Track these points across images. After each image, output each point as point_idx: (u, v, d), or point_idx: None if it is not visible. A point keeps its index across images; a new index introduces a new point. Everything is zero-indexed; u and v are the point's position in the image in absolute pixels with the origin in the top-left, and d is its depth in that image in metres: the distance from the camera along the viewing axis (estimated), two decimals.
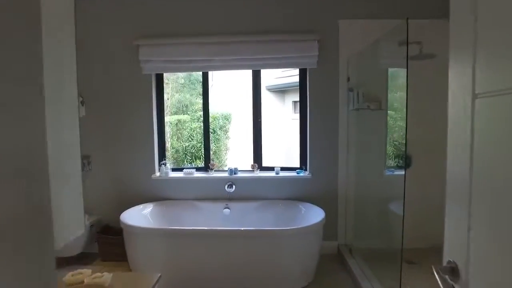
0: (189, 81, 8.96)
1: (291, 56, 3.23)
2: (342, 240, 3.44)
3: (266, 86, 6.89)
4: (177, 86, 8.62)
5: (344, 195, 3.39)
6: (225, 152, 7.59)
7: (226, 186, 3.39)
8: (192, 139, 7.16)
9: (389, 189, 3.14)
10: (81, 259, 3.28)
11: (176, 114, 7.69)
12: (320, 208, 3.09)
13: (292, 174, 3.46)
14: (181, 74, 8.68)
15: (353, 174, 3.35)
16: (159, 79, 3.52)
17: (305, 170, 3.48)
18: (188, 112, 7.59)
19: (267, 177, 3.42)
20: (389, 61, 3.18)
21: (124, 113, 3.43)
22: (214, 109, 8.13)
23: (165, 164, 3.47)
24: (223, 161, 7.52)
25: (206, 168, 3.56)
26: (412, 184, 2.44)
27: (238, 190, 3.43)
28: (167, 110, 8.20)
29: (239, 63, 3.28)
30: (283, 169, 3.53)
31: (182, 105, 8.24)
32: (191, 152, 7.12)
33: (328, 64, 3.30)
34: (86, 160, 3.45)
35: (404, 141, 2.44)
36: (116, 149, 3.46)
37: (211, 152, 7.36)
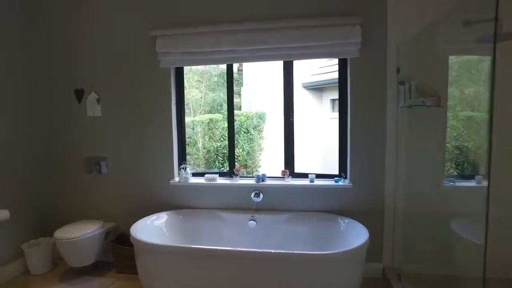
0: (223, 79, 8.69)
1: (328, 44, 2.74)
2: (388, 262, 2.88)
3: (302, 84, 6.38)
4: (211, 85, 8.39)
5: (391, 209, 2.83)
6: (259, 152, 7.21)
7: (253, 194, 2.98)
8: (224, 139, 6.86)
9: (449, 203, 2.55)
10: (95, 270, 3.04)
11: (210, 113, 7.44)
12: (362, 225, 2.58)
13: (330, 182, 2.96)
14: (214, 72, 8.42)
15: (403, 184, 2.79)
16: (179, 74, 3.18)
17: (345, 178, 2.97)
18: (222, 111, 7.30)
19: (299, 186, 2.96)
20: (451, 46, 2.57)
21: (140, 112, 3.14)
22: (248, 107, 7.81)
23: (184, 169, 3.12)
24: (256, 162, 7.15)
25: (231, 173, 3.17)
26: (483, 199, 1.88)
27: (266, 200, 3.00)
28: (200, 109, 8.02)
29: (267, 54, 2.84)
30: (318, 176, 3.04)
31: (216, 103, 8.00)
32: (222, 153, 6.82)
33: (373, 53, 2.76)
34: (103, 162, 3.21)
35: (469, 145, 1.89)
36: (133, 151, 3.18)
37: (244, 152, 7.05)
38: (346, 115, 2.94)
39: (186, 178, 3.10)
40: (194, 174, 3.24)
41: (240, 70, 9.02)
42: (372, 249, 2.69)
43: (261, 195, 2.98)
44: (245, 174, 3.48)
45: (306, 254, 2.15)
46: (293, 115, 3.10)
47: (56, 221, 3.30)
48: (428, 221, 2.60)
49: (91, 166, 3.24)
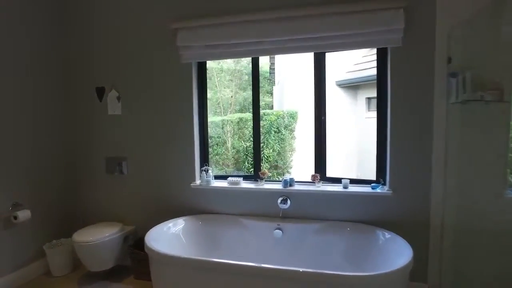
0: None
1: (366, 32, 2.41)
2: (434, 282, 2.49)
3: (336, 82, 5.99)
4: (242, 83, 8.21)
5: (439, 222, 2.44)
6: (290, 153, 6.92)
7: (279, 200, 2.71)
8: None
9: None
10: (113, 274, 2.92)
11: (241, 113, 7.26)
12: (404, 240, 2.22)
13: (366, 189, 2.62)
14: (245, 70, 8.23)
15: (453, 194, 2.39)
16: (202, 71, 2.98)
17: (384, 184, 2.62)
18: (250, 110, 7.09)
19: (331, 192, 2.64)
20: None
21: (160, 110, 2.97)
22: (281, 107, 7.53)
23: (206, 171, 2.92)
24: (287, 163, 6.86)
25: (255, 177, 2.92)
26: None
27: (294, 207, 2.72)
28: (230, 108, 7.86)
29: (297, 45, 2.56)
30: (353, 181, 2.71)
31: (247, 102, 7.81)
32: (252, 153, 6.59)
33: (419, 41, 2.39)
34: (123, 162, 3.09)
35: None
36: (153, 152, 3.02)
37: (275, 153, 6.78)
38: (385, 114, 2.59)
39: (208, 181, 2.89)
40: (217, 177, 3.02)
41: (272, 69, 8.77)
42: (416, 268, 2.32)
43: (289, 202, 2.71)
44: (271, 178, 3.21)
45: (342, 275, 1.83)
46: (325, 115, 2.79)
47: (78, 221, 3.23)
48: (486, 239, 2.19)
49: (112, 166, 3.12)
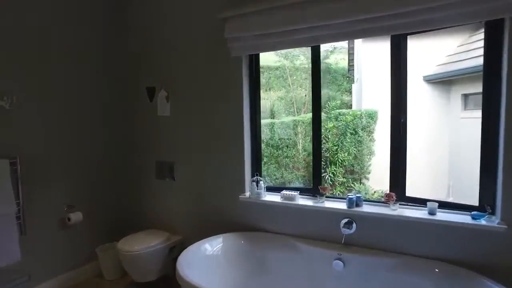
0: (330, 74, 7.85)
1: (464, 1, 1.72)
2: None
3: (424, 77, 5.03)
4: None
5: None
6: (368, 157, 6.14)
7: (342, 223, 2.17)
8: (327, 141, 6.06)
9: None
10: (159, 286, 2.73)
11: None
12: None
13: (463, 218, 1.92)
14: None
15: None
16: (253, 65, 2.59)
17: (491, 214, 1.88)
18: (324, 109, 6.51)
19: (412, 219, 2.01)
20: None
21: (208, 112, 2.68)
22: (360, 106, 6.79)
23: (257, 182, 2.52)
24: (365, 168, 6.12)
25: (314, 192, 2.42)
26: None
27: (361, 233, 2.16)
28: (304, 107, 7.37)
29: (366, 26, 1.99)
30: (443, 205, 2.04)
31: (323, 101, 7.26)
32: (325, 156, 6.03)
33: None
34: (173, 167, 2.89)
35: None
36: (201, 157, 2.75)
37: (350, 156, 6.08)
38: (495, 114, 1.85)
39: (258, 194, 2.49)
40: (270, 189, 2.61)
41: (351, 65, 8.02)
42: None
43: (354, 226, 2.15)
44: (334, 193, 2.66)
45: None
46: (405, 116, 2.15)
47: (129, 226, 3.15)
48: None
49: (162, 171, 2.95)
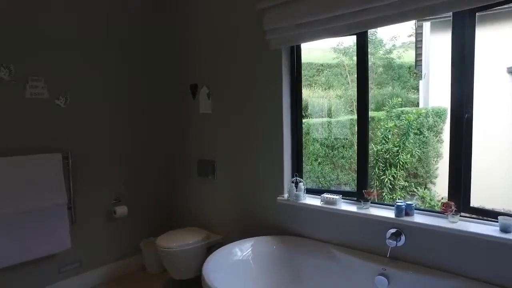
0: (393, 70, 7.29)
1: None
2: None
3: (508, 68, 4.34)
4: (378, 78, 7.16)
5: None
6: (435, 160, 5.55)
7: (389, 234, 1.91)
8: (386, 141, 5.60)
9: None
10: (197, 284, 2.71)
11: (376, 111, 6.31)
12: None
13: None
14: (378, 62, 7.09)
15: None
16: (294, 60, 2.42)
17: None
18: (384, 108, 6.03)
19: (477, 235, 1.67)
20: None
21: (247, 109, 2.58)
22: (426, 103, 6.19)
23: (296, 183, 2.36)
24: (431, 171, 5.54)
25: (359, 196, 2.18)
26: None
27: (412, 247, 1.88)
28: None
29: (422, 5, 1.70)
30: None
31: (383, 99, 6.77)
32: (384, 158, 5.58)
33: None
34: (214, 165, 2.85)
35: None
36: (241, 156, 2.66)
37: (414, 159, 5.53)
38: None
39: (297, 196, 2.32)
40: (311, 191, 2.42)
41: (418, 60, 7.35)
42: None
43: (403, 238, 1.88)
44: (383, 200, 2.39)
45: None
46: (470, 110, 1.81)
47: (170, 223, 3.20)
48: None
49: (203, 169, 2.94)
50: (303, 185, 2.36)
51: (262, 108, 2.49)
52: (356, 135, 2.24)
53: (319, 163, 5.93)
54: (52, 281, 2.55)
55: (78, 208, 2.64)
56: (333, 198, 2.20)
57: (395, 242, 1.87)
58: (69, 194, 2.54)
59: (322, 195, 2.26)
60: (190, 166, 3.05)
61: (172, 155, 3.21)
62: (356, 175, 2.25)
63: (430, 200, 5.10)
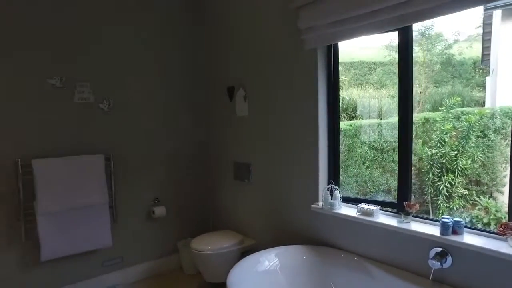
0: (452, 67, 6.67)
1: None
2: None
3: None
4: (434, 75, 6.61)
5: None
6: (503, 166, 4.96)
7: (432, 254, 1.71)
8: (443, 145, 5.13)
9: None
10: None
11: (432, 112, 5.84)
12: None
13: None
14: (436, 58, 6.53)
15: None
16: (331, 60, 2.28)
17: None
18: (441, 108, 5.53)
19: None
20: None
21: (283, 111, 2.49)
22: (493, 102, 5.57)
23: (331, 191, 2.22)
24: (498, 179, 4.97)
25: (399, 208, 1.99)
26: None
27: (460, 271, 1.66)
28: (419, 106, 6.46)
29: None
30: None
31: (441, 99, 6.25)
32: (439, 163, 5.12)
33: None
34: (250, 168, 2.82)
35: None
36: (276, 160, 2.59)
37: (476, 164, 5.00)
38: None
39: (332, 205, 2.19)
40: (347, 200, 2.27)
41: (486, 54, 6.65)
42: None
43: (449, 260, 1.67)
44: (437, 213, 2.18)
45: None
46: None
47: (208, 225, 3.23)
48: None
49: (239, 172, 2.91)
50: (339, 193, 2.22)
51: (297, 111, 2.39)
52: (397, 140, 2.04)
53: (367, 167, 5.63)
54: (96, 274, 2.71)
55: (119, 207, 2.76)
56: (370, 209, 2.03)
57: (439, 263, 1.66)
58: (110, 193, 2.67)
59: (358, 205, 2.10)
60: (227, 168, 3.04)
61: (210, 157, 3.24)
62: (397, 183, 2.05)
63: (496, 211, 4.56)
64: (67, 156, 2.49)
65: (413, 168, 5.94)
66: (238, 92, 2.84)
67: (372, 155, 5.54)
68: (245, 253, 2.66)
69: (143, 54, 2.86)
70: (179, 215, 3.13)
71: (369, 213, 2.02)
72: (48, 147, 2.44)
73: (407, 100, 1.97)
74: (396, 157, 5.54)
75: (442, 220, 1.73)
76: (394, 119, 5.74)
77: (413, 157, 5.90)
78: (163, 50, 2.97)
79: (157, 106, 2.95)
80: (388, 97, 6.62)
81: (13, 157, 2.31)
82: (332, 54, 2.28)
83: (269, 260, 2.12)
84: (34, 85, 2.39)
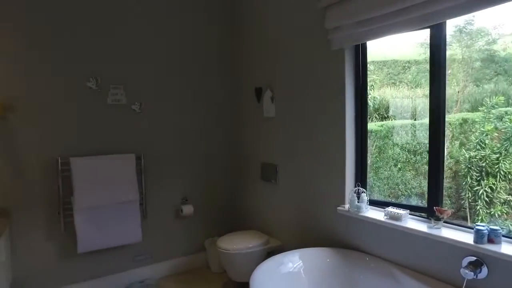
0: (495, 63, 6.28)
1: None
2: None
3: None
4: (474, 73, 6.25)
5: None
6: None
7: (465, 262, 1.63)
8: (483, 147, 4.85)
9: None
10: None
11: (471, 112, 5.53)
12: None
13: None
14: (475, 55, 6.17)
15: None
16: (359, 60, 2.23)
17: None
18: (481, 108, 5.22)
19: None
20: None
21: (309, 113, 2.47)
22: None
23: (359, 194, 2.17)
24: None
25: (429, 213, 1.91)
26: None
27: (497, 283, 1.56)
28: (457, 106, 6.15)
29: None
30: None
31: (483, 98, 5.91)
32: (478, 166, 4.84)
33: None
34: (276, 170, 2.82)
35: None
36: (302, 161, 2.57)
37: (501, 172, 4.69)
38: None
39: (358, 208, 2.14)
40: (374, 203, 2.21)
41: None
42: None
43: (485, 270, 1.58)
44: (493, 213, 2.09)
45: None
46: None
47: (234, 224, 3.26)
48: None
49: (266, 173, 2.92)
50: (366, 195, 2.17)
51: (324, 112, 2.36)
52: (428, 142, 1.97)
53: (400, 169, 5.44)
54: (127, 268, 2.82)
55: (149, 205, 2.87)
56: (398, 213, 1.96)
57: (472, 273, 1.58)
58: (141, 191, 2.77)
59: (386, 208, 2.04)
60: (254, 169, 3.06)
61: (237, 158, 3.28)
62: (427, 187, 1.97)
63: None
64: (101, 155, 2.62)
65: (449, 171, 5.71)
66: (266, 93, 2.85)
67: (405, 157, 5.35)
68: (270, 253, 2.66)
69: (172, 57, 2.94)
70: (206, 214, 3.20)
71: (397, 218, 1.96)
72: (84, 146, 2.58)
73: (438, 100, 1.89)
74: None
75: (476, 227, 1.64)
76: (427, 120, 5.50)
77: (450, 160, 5.65)
78: (191, 52, 3.04)
79: (185, 107, 3.03)
80: (423, 97, 6.35)
81: (54, 155, 2.46)
82: (360, 54, 2.23)
83: (292, 261, 2.11)
84: (73, 88, 2.54)
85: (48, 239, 2.50)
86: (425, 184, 5.59)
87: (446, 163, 5.75)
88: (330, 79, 2.29)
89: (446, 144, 5.85)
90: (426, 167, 5.65)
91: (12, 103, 2.33)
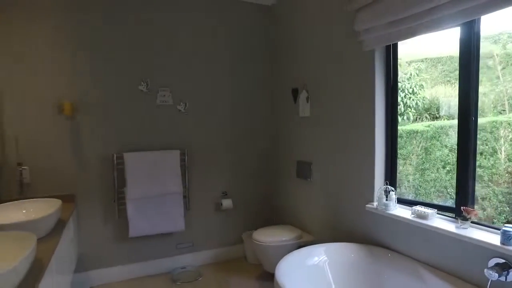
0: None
1: None
2: None
3: None
4: None
5: None
6: None
7: (491, 264, 1.62)
8: None
9: None
10: None
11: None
12: None
13: None
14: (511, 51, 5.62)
15: None
16: (390, 60, 2.26)
17: None
18: None
19: None
20: None
21: (342, 112, 2.55)
22: None
23: (388, 192, 2.21)
24: None
25: (457, 213, 1.90)
26: None
27: None
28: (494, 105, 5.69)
29: None
30: None
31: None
32: None
33: None
34: (311, 167, 2.93)
35: None
36: (334, 159, 2.65)
37: None
38: None
39: (386, 206, 2.18)
40: (403, 201, 2.23)
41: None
42: None
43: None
44: (481, 221, 2.04)
45: None
46: None
47: (271, 219, 3.41)
48: None
49: (301, 170, 3.04)
50: (395, 194, 2.20)
51: (355, 112, 2.42)
52: (457, 141, 1.95)
53: (448, 172, 5.18)
54: (171, 255, 3.11)
55: (192, 197, 3.13)
56: (425, 212, 1.97)
57: (497, 275, 1.56)
58: (184, 184, 3.04)
59: (413, 207, 2.06)
60: (290, 167, 3.19)
61: (274, 156, 3.43)
62: (455, 188, 1.96)
63: None
64: (150, 150, 2.93)
65: (506, 175, 5.34)
66: (301, 94, 2.96)
67: (454, 159, 5.08)
68: (302, 247, 2.78)
69: (215, 60, 3.18)
70: (244, 208, 3.39)
71: (424, 216, 1.97)
72: (135, 143, 2.91)
73: (468, 100, 1.87)
74: (484, 162, 5.00)
75: (503, 228, 1.62)
76: (484, 119, 5.15)
77: (508, 163, 5.30)
78: (234, 54, 3.25)
79: (226, 107, 3.25)
80: (481, 95, 5.95)
81: (110, 150, 2.82)
82: (391, 54, 2.26)
83: (318, 255, 2.21)
84: (128, 91, 2.88)
85: (105, 223, 2.87)
86: (478, 188, 5.28)
87: (502, 167, 5.42)
88: (361, 79, 2.34)
89: (505, 146, 5.50)
90: (480, 170, 5.35)
91: (78, 105, 2.71)
